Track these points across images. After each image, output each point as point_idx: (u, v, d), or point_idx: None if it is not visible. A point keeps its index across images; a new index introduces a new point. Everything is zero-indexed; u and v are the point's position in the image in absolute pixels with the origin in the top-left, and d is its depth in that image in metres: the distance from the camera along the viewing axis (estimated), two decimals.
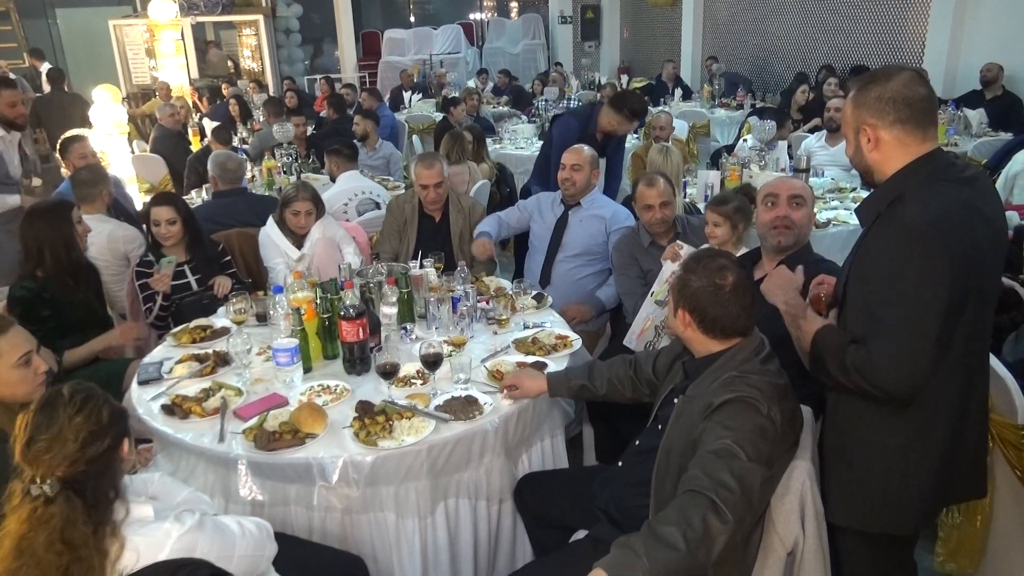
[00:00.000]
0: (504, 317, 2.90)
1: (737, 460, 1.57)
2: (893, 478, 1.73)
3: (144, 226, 4.23)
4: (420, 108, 9.73)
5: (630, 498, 1.98)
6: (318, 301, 2.64)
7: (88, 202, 3.71)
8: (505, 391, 2.31)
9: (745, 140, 5.39)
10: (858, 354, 1.65)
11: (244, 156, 5.55)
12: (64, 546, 1.37)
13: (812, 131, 6.40)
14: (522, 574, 2.12)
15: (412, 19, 16.74)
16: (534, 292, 3.15)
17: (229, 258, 3.65)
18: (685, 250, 2.72)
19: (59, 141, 4.61)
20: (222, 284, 3.40)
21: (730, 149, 5.56)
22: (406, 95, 10.26)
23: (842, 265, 1.87)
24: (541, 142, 7.11)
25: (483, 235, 3.63)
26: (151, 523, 1.50)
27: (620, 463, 2.10)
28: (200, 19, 12.57)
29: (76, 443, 1.42)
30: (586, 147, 3.71)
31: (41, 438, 1.41)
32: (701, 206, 4.38)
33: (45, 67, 10.81)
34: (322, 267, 3.38)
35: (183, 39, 11.48)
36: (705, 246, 2.72)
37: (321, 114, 8.74)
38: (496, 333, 2.84)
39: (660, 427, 1.92)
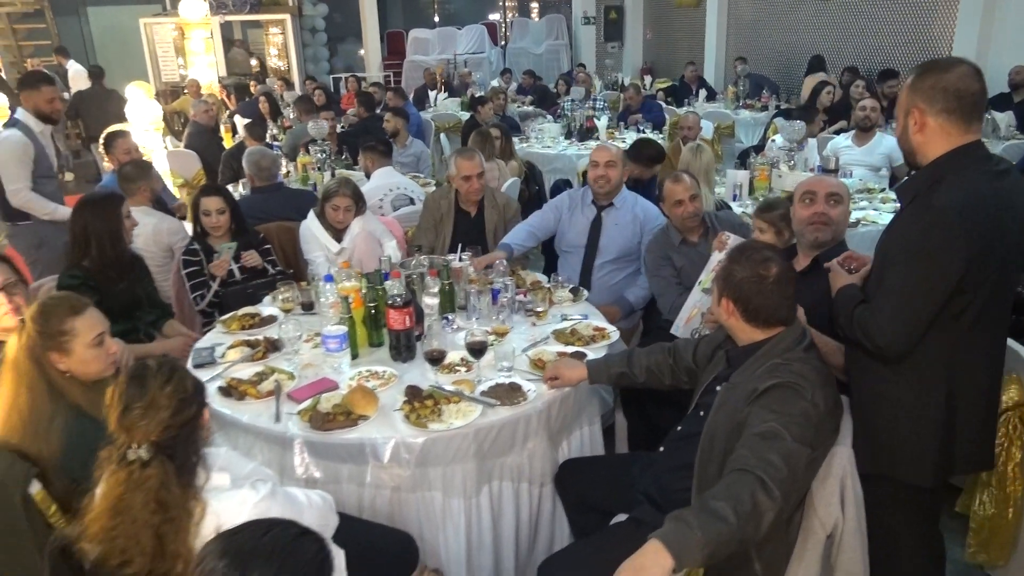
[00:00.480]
0: (542, 309, 2.98)
1: (783, 441, 1.64)
2: (901, 428, 1.89)
3: (182, 217, 4.38)
4: (446, 107, 9.83)
5: (672, 482, 2.05)
6: (364, 291, 2.73)
7: (131, 196, 3.82)
8: (548, 382, 2.39)
9: (774, 140, 5.42)
10: (863, 312, 1.86)
11: (278, 152, 5.66)
12: (158, 506, 1.48)
13: (838, 133, 6.43)
14: (567, 554, 2.20)
15: (436, 19, 16.87)
16: (570, 286, 3.23)
17: (269, 246, 3.76)
18: (732, 240, 2.78)
19: (103, 136, 4.74)
20: (250, 256, 3.53)
21: (758, 149, 5.61)
22: (431, 94, 10.37)
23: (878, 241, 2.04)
24: (567, 141, 7.24)
25: (502, 247, 3.55)
26: (228, 490, 1.60)
27: (661, 448, 2.17)
28: (229, 18, 12.75)
29: (168, 410, 1.52)
30: (612, 146, 3.76)
31: (136, 406, 1.51)
32: (734, 206, 4.44)
33: (71, 64, 11.00)
34: (363, 259, 3.47)
35: (212, 37, 11.68)
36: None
37: (348, 112, 8.86)
38: (534, 324, 2.92)
39: (702, 414, 1.99)
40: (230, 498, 1.58)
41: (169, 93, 11.81)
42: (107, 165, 5.26)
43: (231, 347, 2.74)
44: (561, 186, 5.59)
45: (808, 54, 10.11)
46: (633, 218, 3.59)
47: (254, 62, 13.85)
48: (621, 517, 2.24)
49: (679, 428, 2.13)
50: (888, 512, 1.95)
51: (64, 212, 4.12)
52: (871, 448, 1.92)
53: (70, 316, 1.98)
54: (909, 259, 1.78)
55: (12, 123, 4.17)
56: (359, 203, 3.75)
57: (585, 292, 3.21)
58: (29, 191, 4.08)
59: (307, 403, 2.32)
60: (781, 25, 10.87)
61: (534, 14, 17.22)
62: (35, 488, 1.88)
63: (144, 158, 4.85)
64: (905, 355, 1.83)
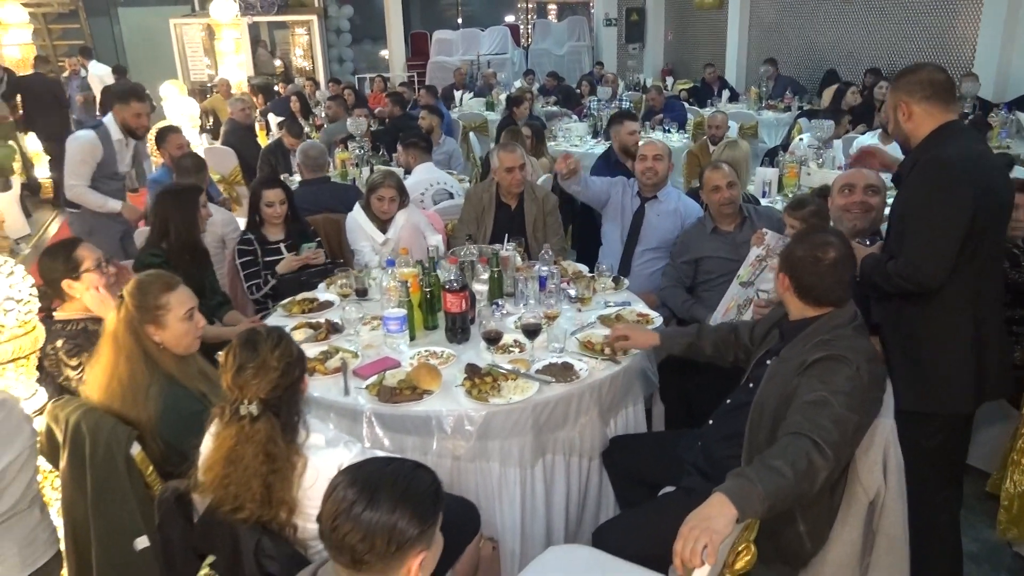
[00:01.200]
0: (586, 296, 3.12)
1: (832, 408, 1.77)
2: (942, 363, 2.19)
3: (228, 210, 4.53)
4: (471, 106, 10.01)
5: (720, 451, 2.19)
6: (421, 276, 2.88)
7: None
8: (615, 342, 2.54)
9: (801, 139, 5.54)
10: (895, 264, 2.15)
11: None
12: (266, 457, 1.64)
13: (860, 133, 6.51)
14: (620, 521, 2.34)
15: (460, 20, 17.07)
16: (611, 275, 3.36)
17: (320, 239, 3.92)
18: (770, 236, 2.91)
19: (155, 132, 4.92)
20: (317, 255, 3.71)
21: (785, 147, 5.72)
22: (457, 93, 10.54)
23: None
24: (594, 140, 7.38)
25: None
26: (324, 448, 1.76)
27: (711, 421, 2.31)
28: (256, 19, 12.98)
29: (277, 371, 1.68)
30: (659, 140, 3.90)
31: (249, 366, 1.67)
32: (764, 202, 4.56)
33: (92, 65, 11.22)
34: (409, 250, 3.62)
35: (242, 38, 11.91)
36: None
37: (375, 111, 9.03)
38: (580, 310, 3.06)
39: (752, 386, 2.13)
40: (327, 454, 1.74)
41: (197, 92, 12.04)
42: (157, 159, 5.46)
43: (294, 329, 2.90)
44: None
45: (830, 55, 10.20)
46: (675, 211, 3.75)
47: (278, 63, 14.09)
48: (668, 489, 2.38)
49: (728, 400, 2.27)
50: (919, 448, 2.15)
51: (114, 205, 4.32)
52: (916, 388, 2.18)
53: (165, 291, 2.14)
54: (927, 205, 2.11)
55: (96, 124, 4.36)
56: (403, 195, 3.91)
57: (626, 281, 3.35)
58: (84, 187, 4.26)
59: (373, 379, 2.47)
60: (803, 26, 10.95)
61: (551, 15, 17.39)
62: (135, 450, 2.04)
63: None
64: (942, 288, 2.12)
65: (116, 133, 4.28)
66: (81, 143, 4.21)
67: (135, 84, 4.56)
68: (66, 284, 2.47)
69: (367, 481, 1.33)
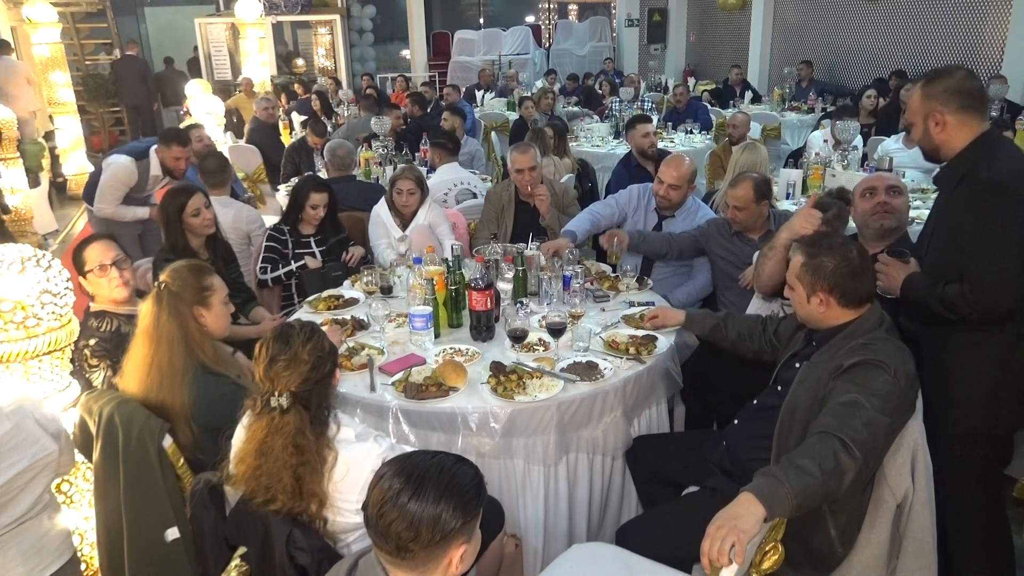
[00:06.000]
0: (610, 296, 3.13)
1: (864, 409, 1.76)
2: (1006, 383, 2.14)
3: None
4: (493, 106, 10.04)
5: (746, 452, 2.18)
6: (447, 275, 2.90)
7: (220, 187, 4.07)
8: (649, 320, 2.70)
9: (826, 141, 5.49)
10: (958, 290, 2.05)
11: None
12: (295, 449, 1.67)
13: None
14: (644, 520, 2.35)
15: (481, 20, 17.13)
16: (635, 275, 3.36)
17: (354, 243, 3.96)
18: None
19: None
20: (357, 249, 3.79)
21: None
22: (479, 93, 10.58)
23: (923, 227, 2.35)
24: (616, 140, 7.37)
25: (567, 234, 3.52)
26: (354, 443, 1.78)
27: (735, 421, 2.30)
28: (280, 18, 13.09)
29: (308, 364, 1.71)
30: (687, 160, 3.66)
31: (281, 359, 1.70)
32: (784, 204, 4.53)
33: None
34: (421, 251, 3.64)
35: (266, 38, 12.01)
36: None
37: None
38: (604, 310, 3.07)
39: (780, 388, 2.12)
40: (357, 449, 1.76)
41: (220, 91, 12.15)
42: None
43: (321, 325, 2.92)
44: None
45: (855, 57, 10.07)
46: (694, 226, 3.66)
47: (300, 62, 14.19)
48: (692, 489, 2.38)
49: (755, 401, 2.26)
50: (964, 473, 2.12)
51: (142, 213, 4.46)
52: (972, 409, 2.16)
53: (207, 274, 2.22)
54: (989, 232, 2.01)
55: (144, 152, 4.43)
56: (423, 188, 3.95)
57: (650, 281, 3.34)
58: (112, 208, 4.40)
59: (399, 375, 2.49)
60: (827, 28, 10.86)
61: (572, 16, 17.40)
62: (167, 442, 2.08)
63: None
64: (1012, 312, 2.05)
65: (156, 168, 4.38)
66: (115, 169, 4.30)
67: (181, 129, 4.65)
68: (80, 280, 2.56)
69: (413, 472, 1.36)
